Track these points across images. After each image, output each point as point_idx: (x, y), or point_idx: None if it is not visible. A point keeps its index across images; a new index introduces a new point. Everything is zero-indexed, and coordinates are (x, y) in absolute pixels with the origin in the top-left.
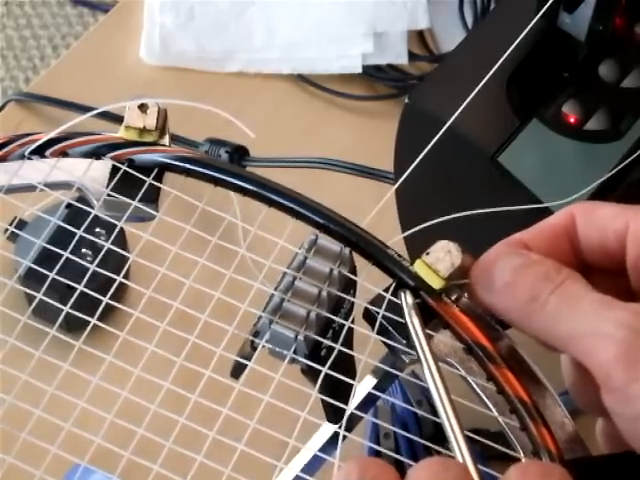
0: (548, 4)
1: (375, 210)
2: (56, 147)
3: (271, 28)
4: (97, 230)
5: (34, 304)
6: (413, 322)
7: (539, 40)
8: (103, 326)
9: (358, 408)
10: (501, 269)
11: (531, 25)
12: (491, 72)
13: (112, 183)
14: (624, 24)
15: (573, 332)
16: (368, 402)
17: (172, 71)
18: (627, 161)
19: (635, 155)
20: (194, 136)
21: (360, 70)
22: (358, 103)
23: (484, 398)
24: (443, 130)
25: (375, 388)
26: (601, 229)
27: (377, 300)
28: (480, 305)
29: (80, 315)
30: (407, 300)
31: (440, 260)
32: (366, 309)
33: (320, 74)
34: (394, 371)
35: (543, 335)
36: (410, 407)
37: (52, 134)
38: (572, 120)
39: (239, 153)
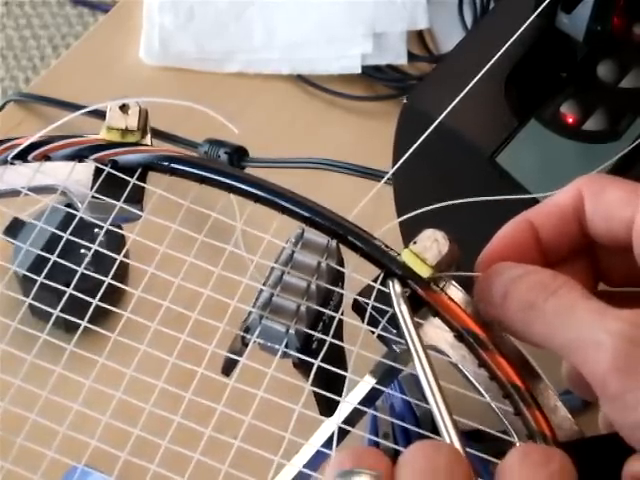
0: (544, 4)
1: (364, 202)
2: (38, 151)
3: (271, 28)
4: (96, 231)
5: (25, 306)
6: (401, 310)
7: (537, 40)
8: (94, 328)
9: (357, 408)
10: (498, 282)
11: (527, 24)
12: (483, 70)
13: (96, 185)
14: (622, 24)
15: (568, 341)
16: (368, 401)
17: (172, 71)
18: (621, 156)
19: (628, 151)
20: (194, 137)
21: (359, 70)
22: (357, 103)
23: (477, 385)
24: (435, 124)
25: (374, 387)
26: (608, 217)
27: (366, 291)
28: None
29: (72, 318)
30: (395, 288)
31: (427, 249)
32: (355, 301)
33: (320, 74)
34: (397, 365)
35: (543, 343)
36: (408, 400)
37: (33, 138)
38: (570, 120)
39: (238, 154)
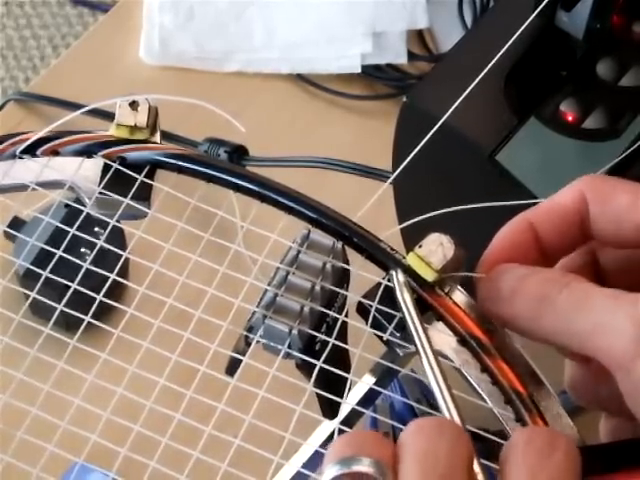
0: (544, 2)
1: (368, 204)
2: (47, 146)
3: (270, 28)
4: (96, 229)
5: (28, 302)
6: (404, 298)
7: (537, 38)
8: (97, 324)
9: (356, 408)
10: (507, 279)
11: (527, 23)
12: (486, 69)
13: (104, 181)
14: (622, 22)
15: (586, 328)
16: (367, 401)
17: (172, 71)
18: (622, 156)
19: (630, 152)
20: (194, 136)
21: (359, 70)
22: (357, 103)
23: (479, 389)
24: (438, 125)
25: (374, 387)
26: (616, 221)
27: (370, 293)
28: (493, 318)
29: (74, 313)
30: (399, 278)
31: (433, 252)
32: (359, 303)
33: (319, 74)
34: (395, 366)
35: (554, 336)
36: (408, 402)
37: (42, 133)
38: (570, 118)
39: (238, 153)
